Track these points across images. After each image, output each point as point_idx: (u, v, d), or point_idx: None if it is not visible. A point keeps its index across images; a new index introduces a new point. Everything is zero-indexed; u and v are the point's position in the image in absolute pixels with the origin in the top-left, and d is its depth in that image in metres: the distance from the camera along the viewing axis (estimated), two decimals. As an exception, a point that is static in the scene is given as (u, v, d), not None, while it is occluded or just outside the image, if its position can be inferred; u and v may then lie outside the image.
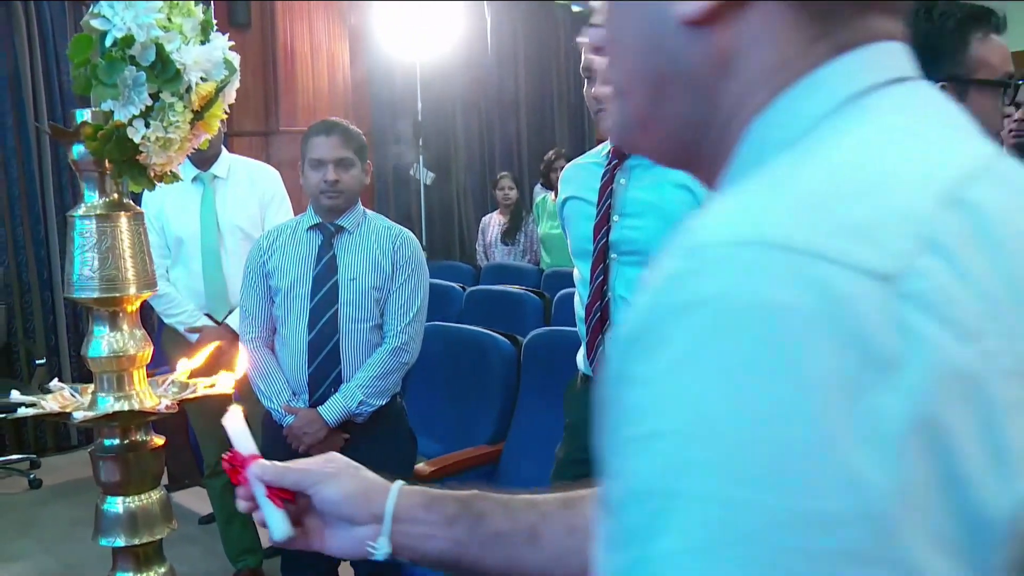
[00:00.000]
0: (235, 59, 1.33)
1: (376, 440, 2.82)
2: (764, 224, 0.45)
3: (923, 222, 0.44)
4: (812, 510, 0.40)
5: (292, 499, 0.94)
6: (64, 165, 5.63)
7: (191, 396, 1.32)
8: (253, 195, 3.67)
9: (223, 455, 0.98)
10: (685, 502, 0.41)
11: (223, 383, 1.31)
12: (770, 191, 0.48)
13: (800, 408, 0.40)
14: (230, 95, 1.33)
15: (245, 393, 2.55)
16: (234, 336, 3.48)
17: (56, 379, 1.42)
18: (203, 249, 3.59)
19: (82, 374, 5.66)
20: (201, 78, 1.25)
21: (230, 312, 3.57)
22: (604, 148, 2.46)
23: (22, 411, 1.27)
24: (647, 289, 0.46)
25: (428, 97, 7.42)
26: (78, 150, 1.28)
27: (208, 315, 3.60)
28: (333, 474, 0.95)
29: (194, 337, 3.52)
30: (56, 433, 5.60)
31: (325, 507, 0.94)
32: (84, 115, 1.27)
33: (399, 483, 0.95)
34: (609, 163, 2.37)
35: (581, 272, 2.44)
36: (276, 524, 0.92)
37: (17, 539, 4.35)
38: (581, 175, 2.49)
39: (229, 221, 3.60)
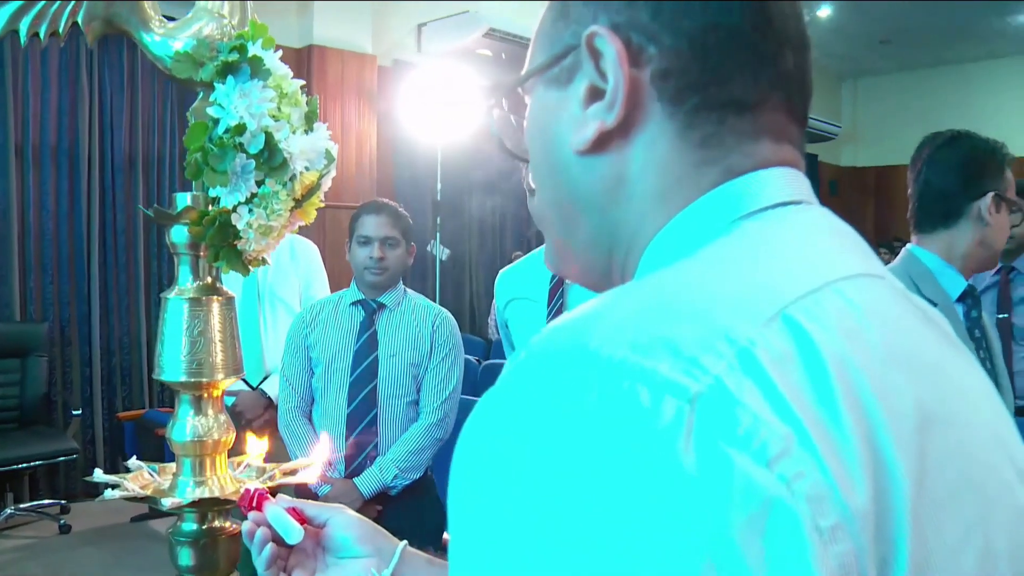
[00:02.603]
0: (334, 149, 1.24)
1: (407, 511, 2.68)
2: (587, 335, 0.43)
3: (741, 342, 0.41)
4: None
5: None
6: (108, 228, 5.55)
7: (275, 484, 1.20)
8: (294, 267, 3.58)
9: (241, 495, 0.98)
10: None
11: (308, 474, 1.19)
12: (612, 304, 0.47)
13: (587, 526, 0.38)
14: (326, 184, 1.24)
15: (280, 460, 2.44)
16: (268, 401, 3.37)
17: (130, 454, 1.30)
18: (242, 317, 3.49)
19: (112, 426, 5.52)
20: (305, 167, 1.17)
21: (265, 378, 3.46)
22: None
23: (108, 493, 1.15)
24: (491, 390, 0.45)
25: (447, 178, 7.38)
26: (177, 232, 1.19)
27: (244, 380, 3.48)
28: (346, 509, 0.97)
29: (230, 400, 3.40)
30: (85, 480, 5.42)
31: (336, 533, 0.93)
32: (185, 199, 1.17)
33: (406, 541, 0.95)
34: None
35: None
36: (293, 528, 0.91)
37: (46, 584, 4.17)
38: (524, 277, 2.34)
39: (269, 291, 3.51)
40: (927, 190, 1.89)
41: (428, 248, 7.28)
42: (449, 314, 2.87)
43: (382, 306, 2.76)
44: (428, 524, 2.75)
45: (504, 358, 5.10)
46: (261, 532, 0.91)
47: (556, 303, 2.21)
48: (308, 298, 3.53)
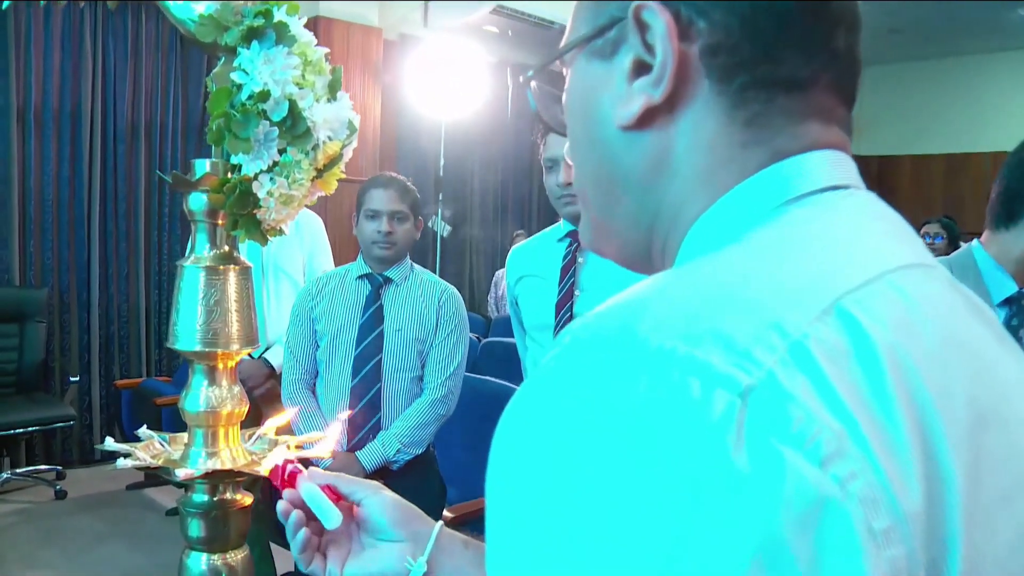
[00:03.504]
0: (356, 119, 1.21)
1: (408, 487, 2.66)
2: (635, 323, 0.42)
3: (794, 335, 0.40)
4: None
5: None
6: (109, 195, 5.52)
7: (292, 459, 1.18)
8: (298, 239, 3.55)
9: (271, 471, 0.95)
10: None
11: (319, 448, 1.18)
12: (660, 291, 0.45)
13: (636, 513, 0.37)
14: (348, 154, 1.22)
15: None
16: (270, 371, 3.36)
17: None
18: (247, 287, 3.47)
19: (108, 393, 5.51)
20: (328, 137, 1.14)
21: (266, 348, 3.44)
22: (558, 232, 2.31)
23: (120, 462, 1.13)
24: (533, 376, 0.44)
25: (450, 154, 7.34)
26: (195, 200, 1.16)
27: (245, 350, 3.46)
28: (382, 488, 0.94)
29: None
30: (81, 447, 5.43)
31: (371, 516, 0.90)
32: (205, 166, 1.15)
33: (441, 522, 0.92)
34: (570, 244, 2.24)
35: (541, 343, 2.29)
36: (332, 513, 0.88)
37: (42, 548, 4.16)
38: (536, 255, 2.34)
39: (273, 263, 3.48)
40: (1002, 187, 1.85)
41: (430, 224, 7.27)
42: (455, 290, 2.86)
43: (388, 280, 2.74)
44: (429, 499, 2.75)
45: (510, 335, 5.06)
46: (296, 515, 0.88)
47: (567, 282, 2.19)
48: (312, 270, 3.51)
